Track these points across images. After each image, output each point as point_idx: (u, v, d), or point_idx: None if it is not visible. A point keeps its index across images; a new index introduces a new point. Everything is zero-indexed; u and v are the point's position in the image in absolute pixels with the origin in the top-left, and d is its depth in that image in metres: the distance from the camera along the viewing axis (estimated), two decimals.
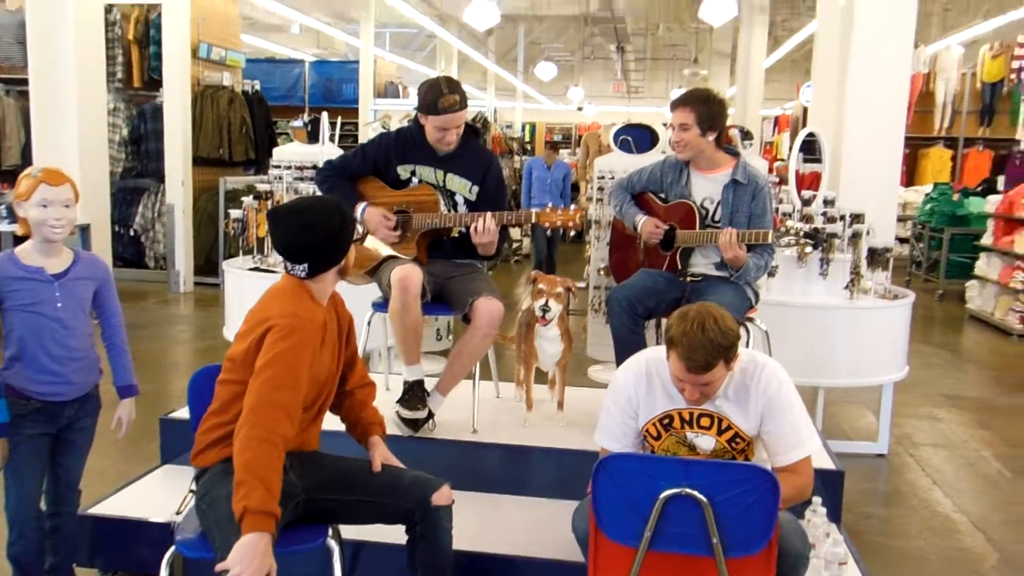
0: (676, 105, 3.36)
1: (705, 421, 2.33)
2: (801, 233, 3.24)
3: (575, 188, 11.42)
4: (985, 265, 8.41)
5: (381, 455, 2.43)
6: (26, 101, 7.59)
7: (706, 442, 2.35)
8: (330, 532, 2.30)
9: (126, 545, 2.90)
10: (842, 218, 4.39)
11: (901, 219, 10.22)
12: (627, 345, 3.28)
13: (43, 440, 2.52)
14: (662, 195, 3.53)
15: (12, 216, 2.76)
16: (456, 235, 3.40)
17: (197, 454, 2.31)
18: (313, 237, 2.24)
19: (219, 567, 1.95)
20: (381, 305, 3.44)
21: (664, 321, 3.17)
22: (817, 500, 2.81)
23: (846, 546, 2.76)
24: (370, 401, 2.55)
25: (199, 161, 8.85)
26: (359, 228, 3.41)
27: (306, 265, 2.26)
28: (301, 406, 2.18)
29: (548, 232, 9.22)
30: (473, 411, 3.35)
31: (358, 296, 3.80)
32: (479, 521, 2.96)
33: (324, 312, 2.31)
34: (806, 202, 4.50)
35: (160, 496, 3.05)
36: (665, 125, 5.55)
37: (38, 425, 2.49)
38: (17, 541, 2.51)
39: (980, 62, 12.30)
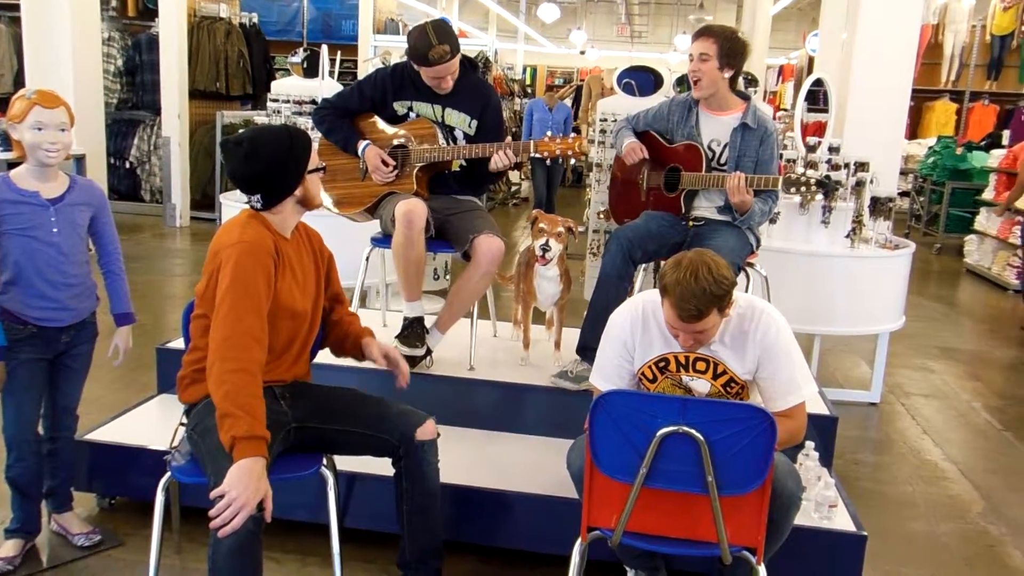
0: (699, 35, 3.25)
1: (701, 365, 2.33)
2: (812, 181, 3.18)
3: (576, 131, 11.30)
4: (985, 220, 8.39)
5: (380, 349, 2.44)
6: (18, 28, 7.45)
7: (701, 385, 2.35)
8: (324, 461, 2.32)
9: (123, 471, 2.92)
10: (846, 166, 4.35)
11: (902, 172, 10.16)
12: (608, 287, 3.23)
13: (40, 365, 2.52)
14: (668, 137, 3.48)
15: (5, 143, 2.71)
16: (457, 168, 3.36)
17: (183, 390, 2.32)
18: (258, 166, 2.21)
19: (214, 492, 1.95)
20: (381, 240, 3.41)
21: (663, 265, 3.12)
22: (810, 444, 2.83)
23: (837, 490, 2.79)
24: (356, 322, 2.54)
25: (196, 94, 8.72)
26: (360, 165, 3.36)
27: (259, 196, 2.24)
28: (267, 329, 2.15)
29: (548, 167, 9.08)
30: (470, 349, 3.35)
31: (358, 232, 3.79)
32: (473, 457, 2.99)
33: (280, 241, 2.26)
34: (811, 148, 4.45)
35: (157, 424, 3.06)
36: (670, 70, 5.48)
37: (35, 350, 2.49)
38: (16, 463, 2.53)
39: (991, 14, 12.11)
